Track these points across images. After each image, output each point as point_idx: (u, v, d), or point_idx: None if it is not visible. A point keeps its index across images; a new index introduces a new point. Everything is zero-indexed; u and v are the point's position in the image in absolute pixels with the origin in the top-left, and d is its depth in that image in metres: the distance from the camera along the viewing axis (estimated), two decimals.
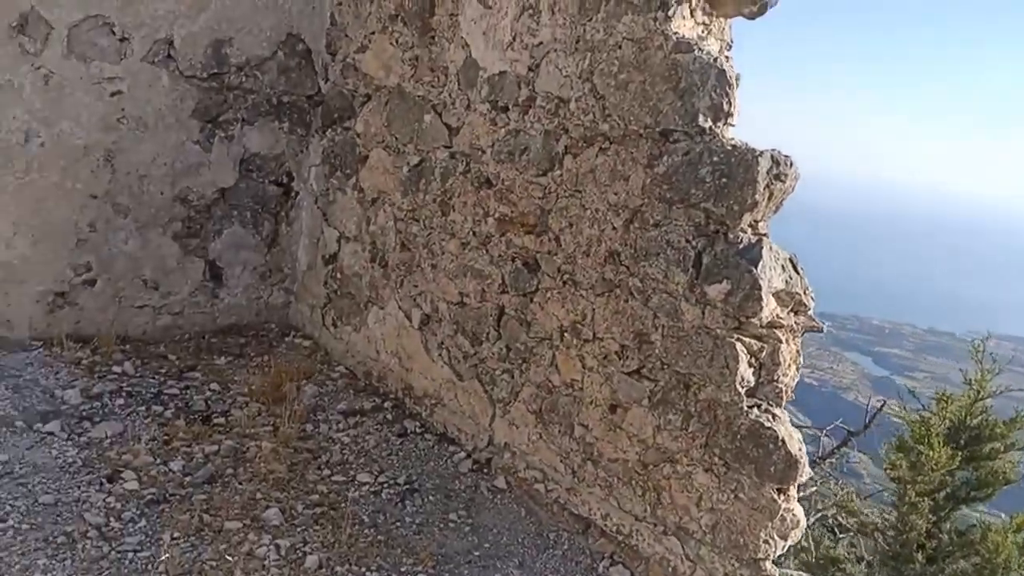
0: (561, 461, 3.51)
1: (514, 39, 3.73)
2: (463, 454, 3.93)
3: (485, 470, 3.84)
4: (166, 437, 3.67)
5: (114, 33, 4.27)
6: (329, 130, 4.96)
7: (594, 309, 3.37)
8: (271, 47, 4.78)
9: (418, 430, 4.13)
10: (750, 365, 2.89)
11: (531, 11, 3.65)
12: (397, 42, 4.44)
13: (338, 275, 4.88)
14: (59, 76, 4.17)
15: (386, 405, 4.34)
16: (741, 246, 2.87)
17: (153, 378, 4.23)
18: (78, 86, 4.23)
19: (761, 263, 2.82)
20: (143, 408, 3.90)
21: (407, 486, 3.62)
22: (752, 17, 3.26)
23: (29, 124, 4.14)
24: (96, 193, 4.40)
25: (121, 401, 3.92)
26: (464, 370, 4.00)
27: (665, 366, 3.09)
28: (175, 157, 4.59)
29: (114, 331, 4.53)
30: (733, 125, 3.06)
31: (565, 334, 3.50)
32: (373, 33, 4.61)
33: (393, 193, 4.46)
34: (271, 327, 5.14)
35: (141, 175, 4.51)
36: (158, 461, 3.46)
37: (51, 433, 3.53)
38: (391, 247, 4.47)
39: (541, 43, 3.61)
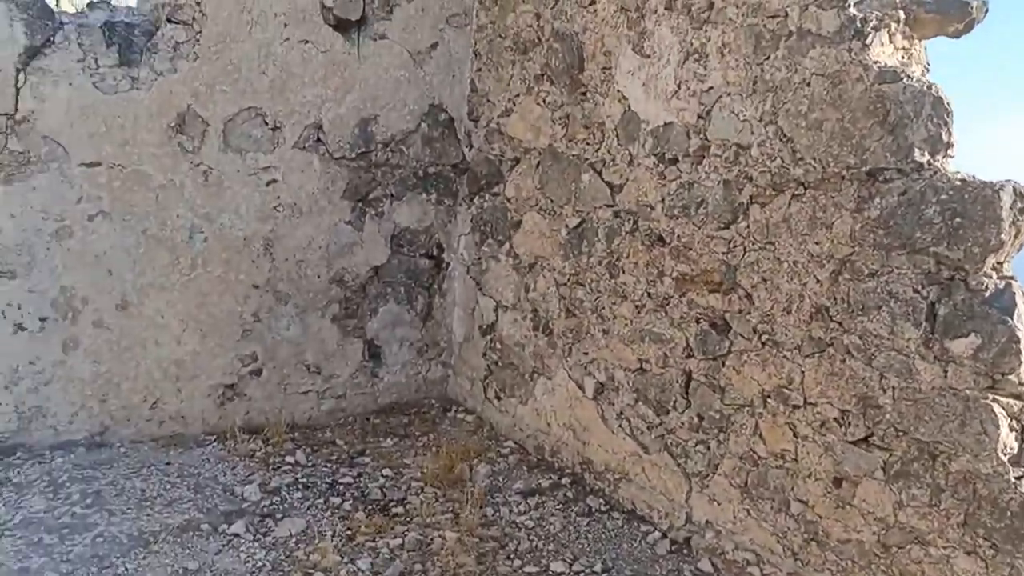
0: (778, 541, 3.16)
1: (679, 87, 3.51)
2: (658, 534, 3.64)
3: (685, 551, 3.53)
4: (349, 532, 3.53)
5: (267, 123, 4.29)
6: (476, 197, 4.85)
7: (803, 372, 3.04)
8: (415, 120, 4.72)
9: (603, 508, 3.87)
10: (1011, 429, 2.51)
11: (696, 56, 3.43)
12: (545, 102, 4.30)
13: (498, 346, 4.71)
14: (217, 171, 4.20)
15: (564, 482, 4.10)
16: (988, 294, 2.51)
17: (326, 466, 4.13)
18: (235, 179, 4.26)
19: (1016, 311, 2.45)
20: (321, 500, 3.79)
21: (605, 574, 3.35)
22: (957, 36, 2.93)
23: (192, 221, 4.18)
24: (258, 283, 4.39)
25: (299, 494, 3.82)
26: (650, 442, 3.73)
27: (901, 433, 2.73)
28: (329, 239, 4.56)
29: (282, 419, 4.48)
30: (953, 157, 2.72)
31: (769, 400, 3.19)
32: (518, 95, 4.49)
33: (552, 257, 4.28)
34: (431, 403, 5.00)
35: (298, 260, 4.49)
36: (345, 560, 3.31)
37: (237, 535, 3.44)
38: (555, 314, 4.27)
39: (711, 88, 3.37)
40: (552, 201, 4.27)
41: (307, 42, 4.31)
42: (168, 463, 4.00)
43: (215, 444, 4.26)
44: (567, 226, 4.18)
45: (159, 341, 4.19)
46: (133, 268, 4.08)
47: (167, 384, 4.24)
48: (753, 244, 3.23)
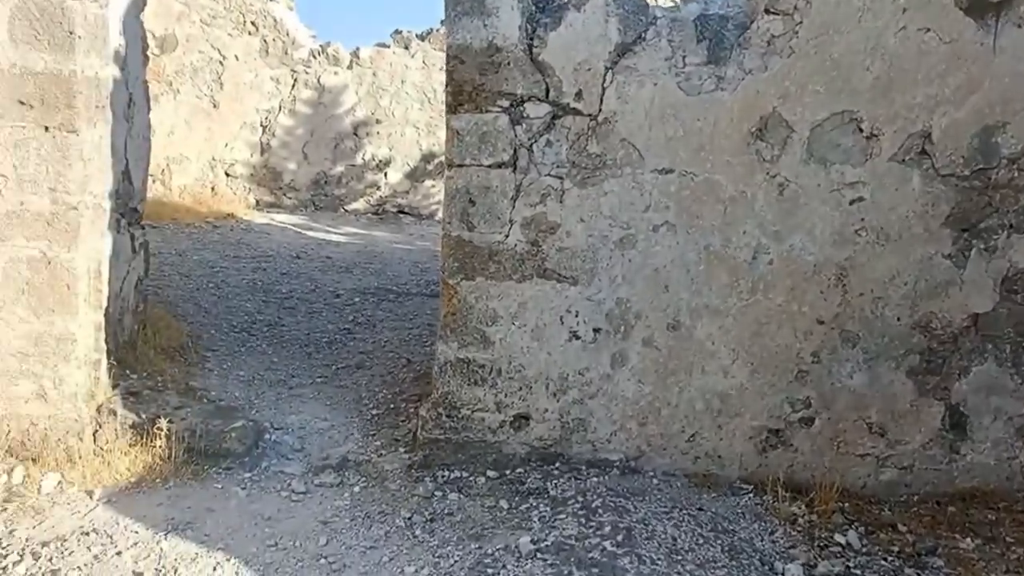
0: None
1: None
2: None
3: None
4: None
5: (861, 130, 3.56)
6: None
7: None
8: None
9: None
10: None
11: None
12: None
13: None
14: (794, 184, 3.62)
15: None
16: None
17: (885, 559, 3.32)
18: (814, 195, 3.63)
19: None
20: None
21: None
22: None
23: (758, 240, 3.67)
24: (823, 318, 3.72)
25: None
26: None
27: None
28: (918, 275, 3.68)
29: (831, 482, 3.76)
30: None
31: None
32: None
33: None
34: None
35: (876, 297, 3.70)
36: None
37: None
38: None
39: None
40: None
41: (927, 30, 3.46)
42: (701, 508, 3.57)
43: (751, 496, 3.72)
44: None
45: (705, 369, 3.78)
46: (690, 286, 3.71)
47: (707, 417, 3.82)
48: None
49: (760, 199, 3.65)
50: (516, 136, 3.62)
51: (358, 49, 10.71)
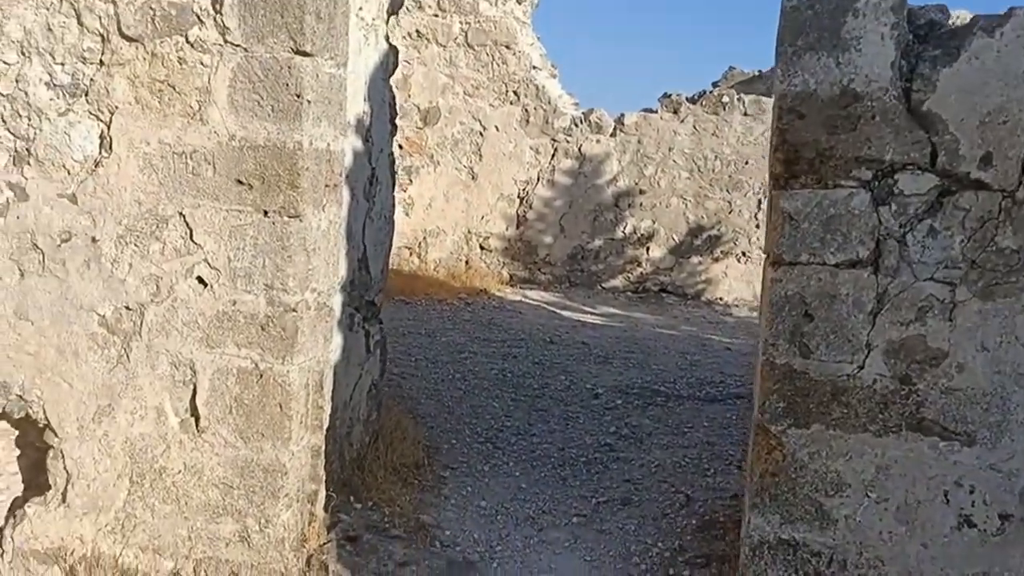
0: None
1: None
2: None
3: None
4: None
5: None
6: None
7: None
8: None
9: None
10: None
11: None
12: None
13: None
14: None
15: None
16: None
17: None
18: None
19: None
20: None
21: None
22: None
23: None
24: None
25: None
26: None
27: None
28: None
29: None
30: None
31: None
32: None
33: None
34: None
35: None
36: None
37: None
38: None
39: None
40: None
41: None
42: None
43: None
44: None
45: None
46: None
47: None
48: None
49: None
50: (881, 222, 2.47)
51: (623, 115, 9.92)
